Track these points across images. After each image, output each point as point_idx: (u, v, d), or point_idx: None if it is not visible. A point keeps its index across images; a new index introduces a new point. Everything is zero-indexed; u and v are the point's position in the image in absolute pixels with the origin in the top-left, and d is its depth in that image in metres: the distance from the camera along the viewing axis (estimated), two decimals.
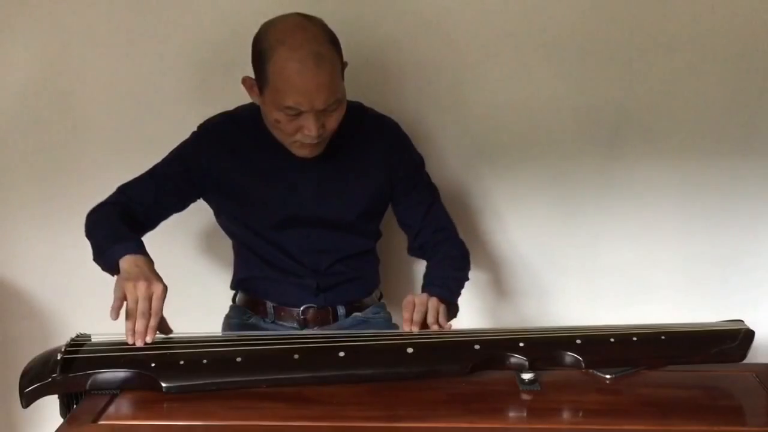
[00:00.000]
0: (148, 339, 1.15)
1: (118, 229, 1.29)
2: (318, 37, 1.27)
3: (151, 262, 1.23)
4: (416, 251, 1.54)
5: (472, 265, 1.62)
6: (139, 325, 1.14)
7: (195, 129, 1.47)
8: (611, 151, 1.76)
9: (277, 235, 1.46)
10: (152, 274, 1.19)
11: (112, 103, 1.72)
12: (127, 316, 1.15)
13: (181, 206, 1.47)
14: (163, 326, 1.21)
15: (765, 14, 1.65)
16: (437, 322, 1.27)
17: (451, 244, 1.50)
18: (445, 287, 1.37)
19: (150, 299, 1.16)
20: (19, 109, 1.73)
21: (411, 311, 1.26)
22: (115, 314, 1.16)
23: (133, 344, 1.14)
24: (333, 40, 1.29)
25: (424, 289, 1.37)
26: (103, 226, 1.31)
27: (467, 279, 1.47)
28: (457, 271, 1.45)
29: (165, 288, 1.18)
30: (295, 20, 1.28)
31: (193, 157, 1.43)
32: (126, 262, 1.21)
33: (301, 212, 1.45)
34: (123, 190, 1.41)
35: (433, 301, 1.29)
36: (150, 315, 1.15)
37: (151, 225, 1.41)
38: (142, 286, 1.15)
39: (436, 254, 1.47)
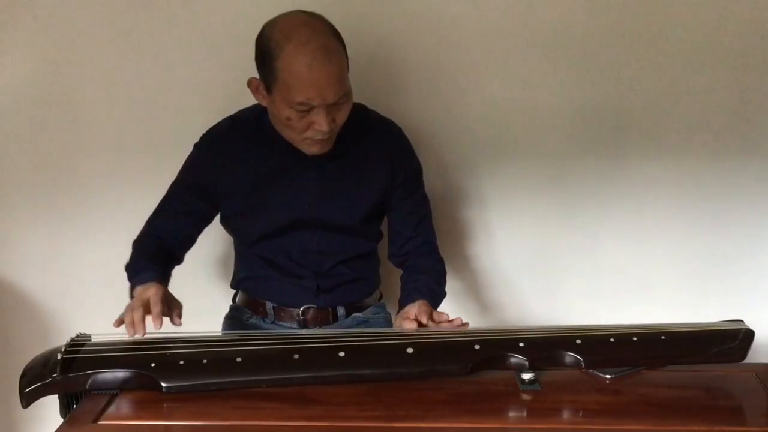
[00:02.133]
0: (156, 326, 1.17)
1: (138, 264, 1.35)
2: (324, 31, 1.27)
3: (157, 286, 1.26)
4: (397, 258, 1.54)
5: (472, 265, 1.62)
6: (136, 315, 1.17)
7: (197, 140, 1.47)
8: (611, 151, 1.76)
9: (279, 237, 1.46)
10: (147, 291, 1.24)
11: (112, 103, 1.72)
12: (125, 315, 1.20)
13: (204, 223, 1.50)
14: (172, 316, 1.24)
15: (766, 14, 1.65)
16: (431, 318, 1.28)
17: (435, 259, 1.51)
18: (430, 297, 1.38)
19: (145, 302, 1.20)
20: (19, 109, 1.73)
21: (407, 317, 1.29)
22: (117, 324, 1.20)
23: (133, 336, 1.16)
24: (336, 34, 1.30)
25: (410, 295, 1.37)
26: (130, 264, 1.37)
27: (445, 295, 1.48)
28: (439, 286, 1.46)
29: (157, 291, 1.22)
30: (298, 17, 1.29)
31: (197, 173, 1.45)
32: (136, 293, 1.27)
33: (304, 215, 1.45)
34: (150, 221, 1.47)
35: (424, 304, 1.32)
36: (144, 309, 1.19)
37: (185, 247, 1.48)
38: (137, 300, 1.22)
39: (419, 265, 1.48)
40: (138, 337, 1.16)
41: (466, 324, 1.28)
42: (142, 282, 1.28)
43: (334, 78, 1.26)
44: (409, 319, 1.28)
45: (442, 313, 1.31)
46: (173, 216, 1.45)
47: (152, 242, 1.42)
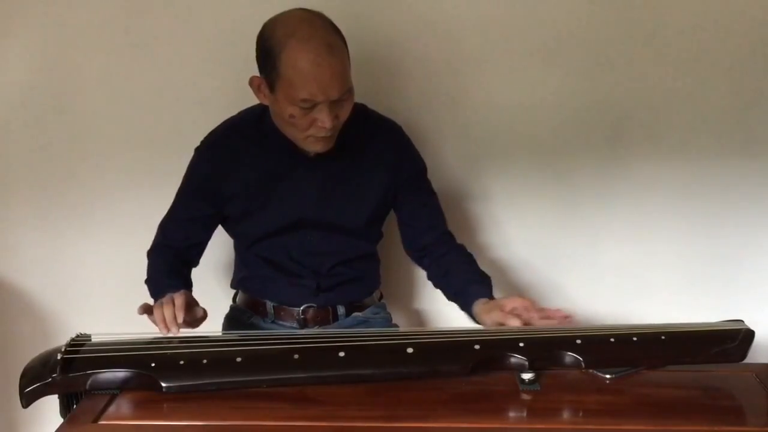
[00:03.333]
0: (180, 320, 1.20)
1: (159, 281, 1.38)
2: (325, 28, 1.27)
3: (185, 292, 1.28)
4: (416, 252, 1.54)
5: None
6: (167, 312, 1.20)
7: (198, 144, 1.47)
8: (611, 151, 1.76)
9: (279, 237, 1.47)
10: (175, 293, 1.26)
11: (112, 104, 1.72)
12: (154, 310, 1.23)
13: (213, 227, 1.51)
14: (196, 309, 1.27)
15: (766, 14, 1.65)
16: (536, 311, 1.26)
17: (464, 251, 1.51)
18: (491, 288, 1.40)
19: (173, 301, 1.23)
20: (18, 109, 1.73)
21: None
22: (141, 310, 1.24)
23: (166, 334, 1.20)
24: (337, 30, 1.30)
25: (481, 294, 1.36)
26: (151, 279, 1.42)
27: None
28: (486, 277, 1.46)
29: (185, 293, 1.25)
30: (299, 14, 1.29)
31: (201, 177, 1.45)
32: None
33: (305, 216, 1.45)
34: (161, 230, 1.48)
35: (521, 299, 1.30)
36: (173, 304, 1.21)
37: (199, 253, 1.51)
38: (167, 298, 1.24)
39: (455, 257, 1.49)
40: (173, 332, 1.19)
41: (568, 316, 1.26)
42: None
43: (337, 74, 1.26)
44: (513, 316, 1.26)
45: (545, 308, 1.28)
46: (183, 223, 1.46)
47: (168, 253, 1.45)
